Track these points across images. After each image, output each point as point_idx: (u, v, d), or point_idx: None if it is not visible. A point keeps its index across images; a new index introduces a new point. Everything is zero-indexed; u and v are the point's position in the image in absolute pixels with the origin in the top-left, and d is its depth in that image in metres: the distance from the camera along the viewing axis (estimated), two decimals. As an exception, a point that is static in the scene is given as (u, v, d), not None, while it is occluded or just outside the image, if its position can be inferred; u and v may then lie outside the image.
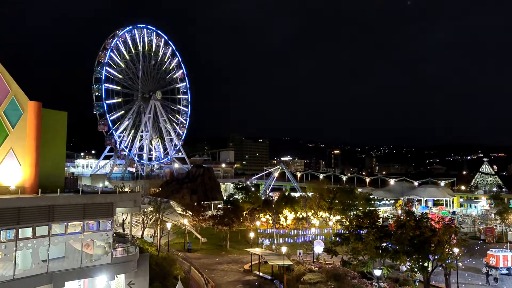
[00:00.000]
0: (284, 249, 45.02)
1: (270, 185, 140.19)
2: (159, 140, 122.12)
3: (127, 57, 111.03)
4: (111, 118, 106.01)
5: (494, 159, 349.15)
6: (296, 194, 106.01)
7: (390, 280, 42.25)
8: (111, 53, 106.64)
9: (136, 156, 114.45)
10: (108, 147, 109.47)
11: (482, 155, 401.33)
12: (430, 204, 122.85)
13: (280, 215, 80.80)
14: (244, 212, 76.58)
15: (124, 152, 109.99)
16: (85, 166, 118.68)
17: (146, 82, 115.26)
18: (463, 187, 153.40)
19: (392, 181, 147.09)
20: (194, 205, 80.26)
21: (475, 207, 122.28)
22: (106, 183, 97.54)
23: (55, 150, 33.72)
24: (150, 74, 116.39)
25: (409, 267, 41.51)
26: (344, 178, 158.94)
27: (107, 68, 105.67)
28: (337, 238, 45.44)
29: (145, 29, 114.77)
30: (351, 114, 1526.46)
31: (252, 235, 63.98)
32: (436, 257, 38.64)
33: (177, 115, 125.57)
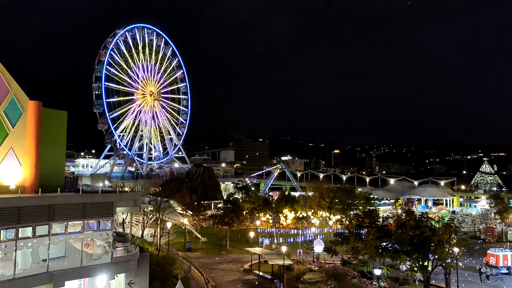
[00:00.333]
0: (284, 249, 45.04)
1: (269, 184, 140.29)
2: (159, 140, 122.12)
3: (128, 56, 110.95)
4: (111, 117, 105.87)
5: (494, 159, 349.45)
6: (296, 194, 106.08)
7: (390, 279, 42.25)
8: (112, 52, 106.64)
9: (136, 155, 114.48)
10: (108, 147, 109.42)
11: (482, 154, 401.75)
12: (430, 203, 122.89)
13: (280, 215, 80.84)
14: (244, 212, 76.58)
15: (124, 152, 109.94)
16: (85, 165, 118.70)
17: (146, 81, 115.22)
18: (463, 187, 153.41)
19: (392, 181, 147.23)
20: (194, 205, 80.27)
21: (475, 206, 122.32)
22: (106, 182, 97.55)
23: (55, 150, 33.71)
24: (150, 73, 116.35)
25: (409, 267, 41.60)
26: (344, 177, 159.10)
27: (108, 67, 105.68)
28: (337, 238, 45.48)
29: (145, 29, 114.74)
30: (351, 113, 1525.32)
31: (252, 234, 64.06)
32: (436, 256, 38.69)
33: (177, 115, 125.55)
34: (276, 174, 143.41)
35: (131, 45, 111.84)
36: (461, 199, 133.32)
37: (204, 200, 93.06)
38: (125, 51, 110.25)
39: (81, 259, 28.54)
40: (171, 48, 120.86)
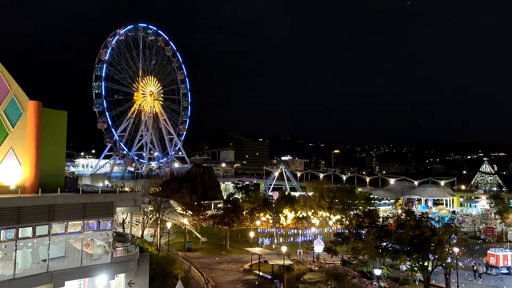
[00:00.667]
0: (284, 249, 45.04)
1: (271, 185, 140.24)
2: (159, 140, 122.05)
3: (128, 56, 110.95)
4: (110, 116, 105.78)
5: (494, 159, 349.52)
6: (296, 194, 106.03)
7: (390, 279, 42.24)
8: (112, 51, 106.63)
9: (136, 155, 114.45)
10: (108, 147, 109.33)
11: (482, 154, 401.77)
12: (430, 203, 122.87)
13: (280, 215, 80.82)
14: (244, 212, 76.56)
15: (124, 152, 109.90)
16: (85, 165, 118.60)
17: (146, 81, 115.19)
18: (463, 187, 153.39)
19: (392, 181, 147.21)
20: (194, 205, 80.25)
21: (475, 206, 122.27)
22: (106, 182, 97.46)
23: (55, 150, 33.69)
24: (151, 73, 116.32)
25: (409, 267, 41.58)
26: (344, 177, 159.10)
27: (108, 66, 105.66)
28: (337, 238, 45.47)
29: (146, 29, 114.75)
30: (351, 113, 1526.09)
31: (252, 234, 64.04)
32: (436, 256, 38.67)
33: (177, 115, 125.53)
34: (276, 175, 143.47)
35: (132, 44, 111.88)
36: (461, 199, 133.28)
37: (204, 200, 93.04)
38: (125, 51, 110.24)
39: (81, 259, 28.54)
40: (171, 48, 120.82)
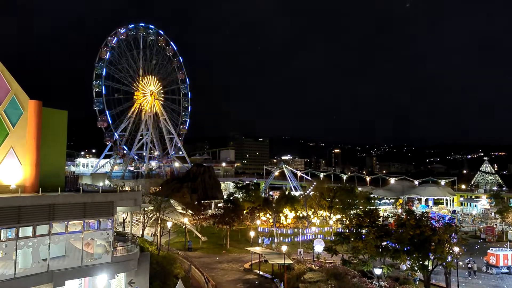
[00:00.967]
0: (284, 248, 45.07)
1: (271, 184, 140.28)
2: (159, 139, 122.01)
3: (128, 55, 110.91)
4: (110, 114, 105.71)
5: (494, 158, 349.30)
6: (297, 193, 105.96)
7: (391, 279, 42.22)
8: (113, 50, 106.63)
9: (136, 155, 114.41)
10: (109, 146, 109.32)
11: (482, 154, 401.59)
12: (430, 203, 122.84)
13: (281, 214, 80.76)
14: (245, 211, 76.54)
15: (125, 151, 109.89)
16: (85, 165, 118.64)
17: (146, 81, 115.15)
18: (463, 186, 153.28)
19: (392, 180, 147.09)
20: (194, 204, 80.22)
21: (475, 206, 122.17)
22: (107, 182, 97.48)
23: (56, 149, 33.72)
24: (151, 73, 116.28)
25: (409, 266, 41.56)
26: (345, 177, 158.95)
27: (108, 65, 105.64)
28: (338, 237, 45.47)
29: (147, 29, 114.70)
30: (351, 113, 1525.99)
31: (252, 234, 64.08)
32: (437, 256, 38.67)
33: (177, 115, 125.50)
34: (276, 173, 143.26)
35: (132, 44, 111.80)
36: (461, 199, 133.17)
37: (204, 199, 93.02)
38: (126, 50, 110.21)
39: (82, 259, 28.56)
40: (172, 48, 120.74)
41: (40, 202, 27.13)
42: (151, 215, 61.09)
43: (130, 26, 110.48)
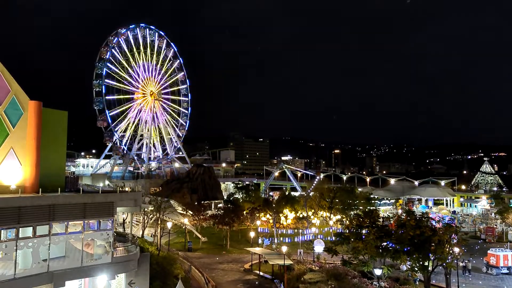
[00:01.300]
0: (284, 249, 45.06)
1: (271, 185, 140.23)
2: (159, 140, 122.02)
3: (129, 55, 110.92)
4: (110, 114, 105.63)
5: (494, 159, 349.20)
6: (297, 194, 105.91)
7: (391, 279, 42.24)
8: (113, 50, 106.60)
9: (136, 155, 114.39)
10: (109, 147, 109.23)
11: (482, 154, 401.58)
12: (430, 203, 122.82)
13: (281, 215, 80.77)
14: (245, 212, 76.53)
15: (124, 151, 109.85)
16: (85, 165, 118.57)
17: (147, 81, 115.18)
18: (463, 187, 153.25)
19: (392, 181, 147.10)
20: (194, 205, 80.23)
21: (475, 206, 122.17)
22: (107, 182, 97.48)
23: (56, 150, 33.72)
24: (151, 73, 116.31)
25: (409, 267, 41.56)
26: (345, 177, 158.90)
27: (108, 65, 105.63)
28: (338, 238, 45.45)
29: (147, 29, 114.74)
30: (351, 113, 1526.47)
31: (252, 234, 64.06)
32: (437, 256, 38.66)
33: (177, 116, 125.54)
34: (276, 174, 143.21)
35: (133, 44, 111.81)
36: (461, 199, 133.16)
37: (204, 200, 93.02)
38: (126, 50, 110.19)
39: (82, 259, 28.56)
40: (172, 49, 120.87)
41: (40, 203, 27.12)
42: (151, 215, 61.07)
43: (131, 26, 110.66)
